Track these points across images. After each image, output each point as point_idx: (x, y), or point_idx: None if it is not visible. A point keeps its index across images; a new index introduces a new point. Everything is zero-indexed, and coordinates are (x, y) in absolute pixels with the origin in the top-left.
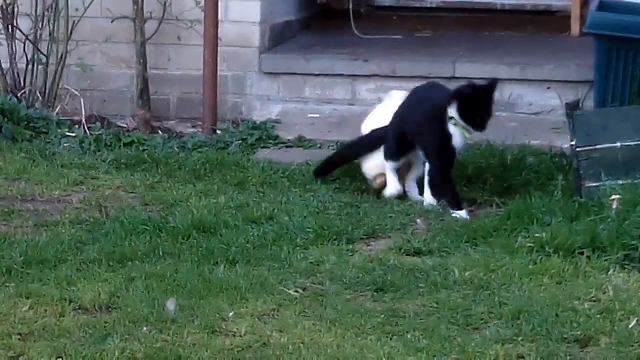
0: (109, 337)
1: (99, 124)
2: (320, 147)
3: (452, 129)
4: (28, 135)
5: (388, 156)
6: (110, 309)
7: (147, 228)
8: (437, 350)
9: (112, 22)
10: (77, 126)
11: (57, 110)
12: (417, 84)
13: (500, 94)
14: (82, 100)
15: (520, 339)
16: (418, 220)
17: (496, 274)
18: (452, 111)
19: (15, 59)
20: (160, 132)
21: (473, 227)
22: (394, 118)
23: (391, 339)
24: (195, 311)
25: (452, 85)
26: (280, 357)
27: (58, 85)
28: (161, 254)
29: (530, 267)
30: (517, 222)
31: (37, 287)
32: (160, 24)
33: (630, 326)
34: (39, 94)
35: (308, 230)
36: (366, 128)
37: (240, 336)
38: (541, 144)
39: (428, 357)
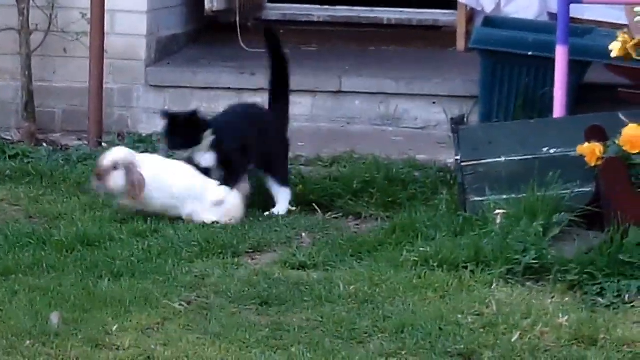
0: None
1: None
2: None
3: None
4: None
5: None
6: None
7: (31, 241)
8: None
9: None
10: None
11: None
12: (305, 98)
13: (386, 108)
14: None
15: (404, 352)
16: (303, 234)
17: (380, 288)
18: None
19: None
20: (45, 144)
21: (358, 241)
22: None
23: (275, 353)
24: (79, 324)
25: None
26: None
27: None
28: (45, 267)
29: (415, 281)
30: (402, 236)
31: None
32: (45, 35)
33: (513, 340)
34: None
35: (193, 243)
36: None
37: (124, 349)
38: (426, 159)
39: None
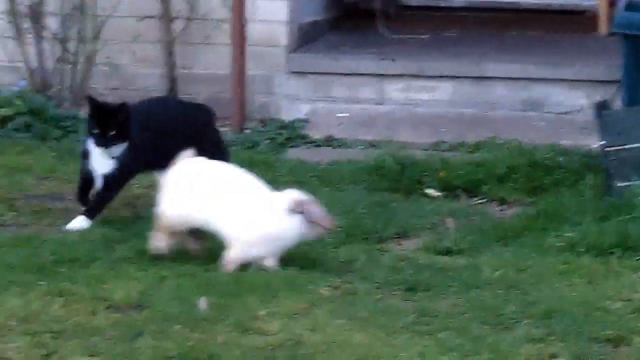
0: (141, 335)
1: None
2: (349, 146)
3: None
4: (57, 134)
5: None
6: (141, 308)
7: None
8: (468, 349)
9: (139, 21)
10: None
11: (85, 109)
12: (446, 83)
13: (529, 94)
14: (110, 99)
15: (551, 338)
16: (448, 220)
17: (526, 273)
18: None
19: (43, 58)
20: None
21: (503, 227)
22: None
23: (422, 338)
24: (227, 310)
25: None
26: (312, 356)
27: (86, 84)
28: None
29: (561, 266)
30: (547, 222)
31: (69, 286)
32: (187, 23)
33: None
34: (67, 93)
35: (338, 229)
36: None
37: (272, 334)
38: (570, 144)
39: (460, 356)
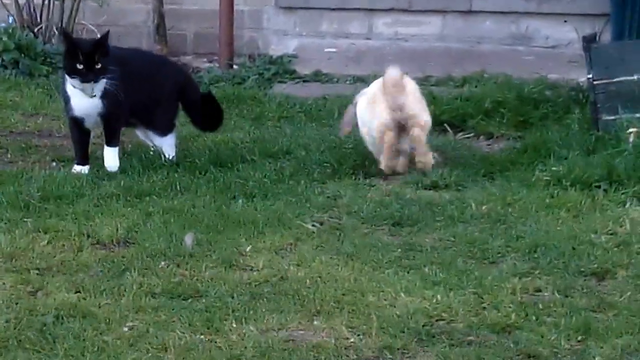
0: (127, 271)
1: None
2: (337, 81)
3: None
4: (44, 70)
5: None
6: (127, 244)
7: (164, 163)
8: (453, 283)
9: None
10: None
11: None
12: (434, 18)
13: (517, 28)
14: (98, 35)
15: (537, 272)
16: (435, 154)
17: (513, 208)
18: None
19: None
20: None
21: (490, 161)
22: None
23: (408, 273)
24: (213, 245)
25: (470, 20)
26: (298, 291)
27: (74, 20)
28: (178, 188)
29: (547, 200)
30: (534, 155)
31: (55, 222)
32: None
33: None
34: (55, 30)
35: (325, 164)
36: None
37: (258, 270)
38: (558, 78)
39: (445, 291)
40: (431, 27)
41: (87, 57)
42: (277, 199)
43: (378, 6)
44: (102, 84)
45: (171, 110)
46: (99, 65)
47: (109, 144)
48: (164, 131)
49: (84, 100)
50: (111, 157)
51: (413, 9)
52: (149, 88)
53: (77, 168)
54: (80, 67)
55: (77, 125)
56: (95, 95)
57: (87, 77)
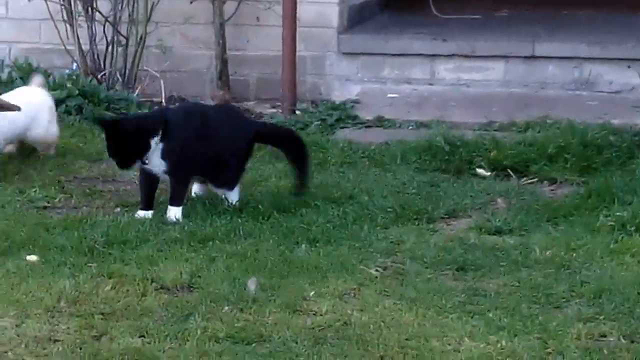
0: (191, 316)
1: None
2: (399, 127)
3: None
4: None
5: None
6: (191, 288)
7: (228, 208)
8: (518, 328)
9: (191, 2)
10: (156, 107)
11: (136, 91)
12: (497, 63)
13: (580, 73)
14: (161, 81)
15: (602, 317)
16: (498, 199)
17: (577, 253)
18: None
19: (95, 40)
20: None
21: (554, 206)
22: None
23: (472, 318)
24: (276, 290)
25: (533, 65)
26: (361, 336)
27: (137, 66)
28: (242, 233)
29: (612, 245)
30: (598, 201)
31: (119, 267)
32: (238, 4)
33: None
34: (118, 76)
35: (388, 209)
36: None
37: (321, 315)
38: (622, 123)
39: (509, 336)
40: (494, 72)
41: (115, 147)
42: (340, 244)
43: (440, 52)
44: (158, 150)
45: (241, 168)
46: (125, 152)
47: (171, 203)
48: (231, 187)
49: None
50: (172, 215)
51: (476, 55)
52: (223, 147)
53: (140, 213)
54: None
55: (145, 172)
56: (147, 164)
57: (120, 165)
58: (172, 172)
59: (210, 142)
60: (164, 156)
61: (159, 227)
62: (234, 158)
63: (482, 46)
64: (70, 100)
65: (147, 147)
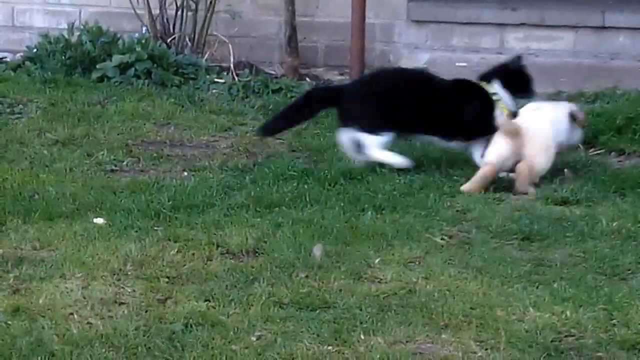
0: (256, 281)
1: (247, 70)
2: None
3: None
4: (177, 81)
5: None
6: (256, 254)
7: (294, 174)
8: (583, 299)
9: None
10: (225, 72)
11: (205, 56)
12: (566, 33)
13: None
14: (230, 46)
15: None
16: (565, 170)
17: None
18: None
19: (164, 5)
20: (307, 79)
21: (621, 177)
22: None
23: (537, 288)
24: (341, 257)
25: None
26: (426, 304)
27: (207, 31)
28: (308, 200)
29: None
30: None
31: (185, 231)
32: None
33: None
34: (188, 40)
35: (455, 178)
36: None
37: (386, 282)
38: None
39: (574, 307)
40: (563, 42)
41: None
42: (406, 212)
43: (509, 21)
44: None
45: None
46: None
47: None
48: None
49: None
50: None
51: (545, 24)
52: None
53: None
54: None
55: None
56: None
57: None
58: None
59: None
60: None
61: (226, 192)
62: None
63: (551, 16)
64: (139, 64)
65: None
